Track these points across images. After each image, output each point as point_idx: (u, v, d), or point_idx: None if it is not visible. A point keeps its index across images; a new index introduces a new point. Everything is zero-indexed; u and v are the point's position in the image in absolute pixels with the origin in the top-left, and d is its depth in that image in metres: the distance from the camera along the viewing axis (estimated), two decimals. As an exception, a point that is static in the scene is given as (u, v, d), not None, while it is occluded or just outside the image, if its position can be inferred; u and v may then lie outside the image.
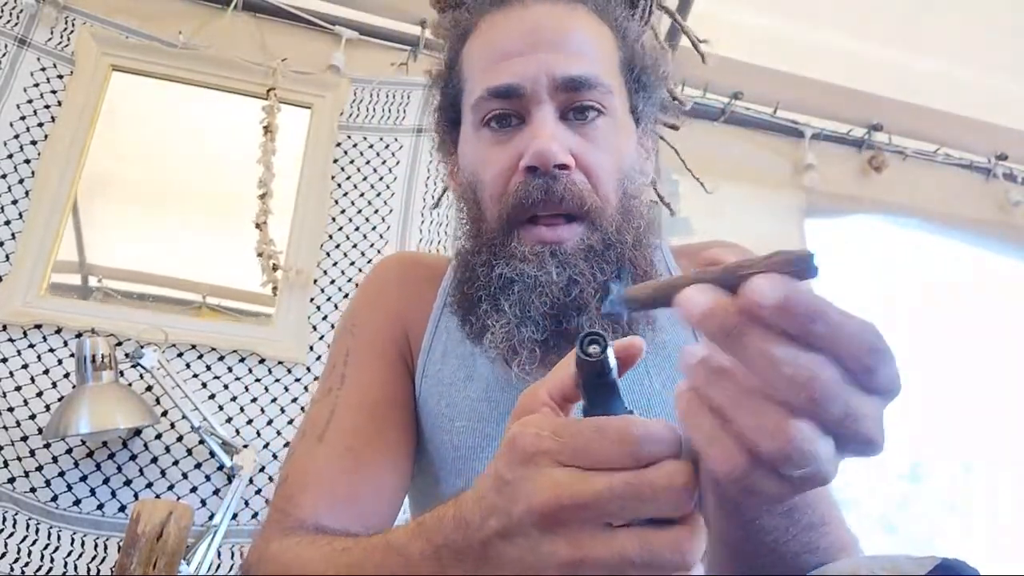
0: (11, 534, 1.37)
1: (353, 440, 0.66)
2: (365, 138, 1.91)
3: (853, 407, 0.28)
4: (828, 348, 0.28)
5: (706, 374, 0.31)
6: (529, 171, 0.60)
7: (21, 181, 1.64)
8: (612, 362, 0.35)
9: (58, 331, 1.54)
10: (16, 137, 1.66)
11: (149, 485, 1.49)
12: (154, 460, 1.51)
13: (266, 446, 1.57)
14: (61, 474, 1.45)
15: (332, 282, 1.77)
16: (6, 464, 1.42)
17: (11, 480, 1.42)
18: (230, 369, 1.62)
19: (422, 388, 0.71)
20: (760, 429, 0.29)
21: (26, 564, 1.35)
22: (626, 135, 0.67)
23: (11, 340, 1.51)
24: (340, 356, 0.72)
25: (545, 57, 0.61)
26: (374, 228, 1.83)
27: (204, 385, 1.59)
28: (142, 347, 1.45)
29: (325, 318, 1.73)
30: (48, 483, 1.44)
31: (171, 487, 1.49)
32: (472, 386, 0.68)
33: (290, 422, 1.60)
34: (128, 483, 1.48)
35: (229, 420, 1.57)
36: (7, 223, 1.60)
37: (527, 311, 0.60)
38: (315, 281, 1.75)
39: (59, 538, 1.40)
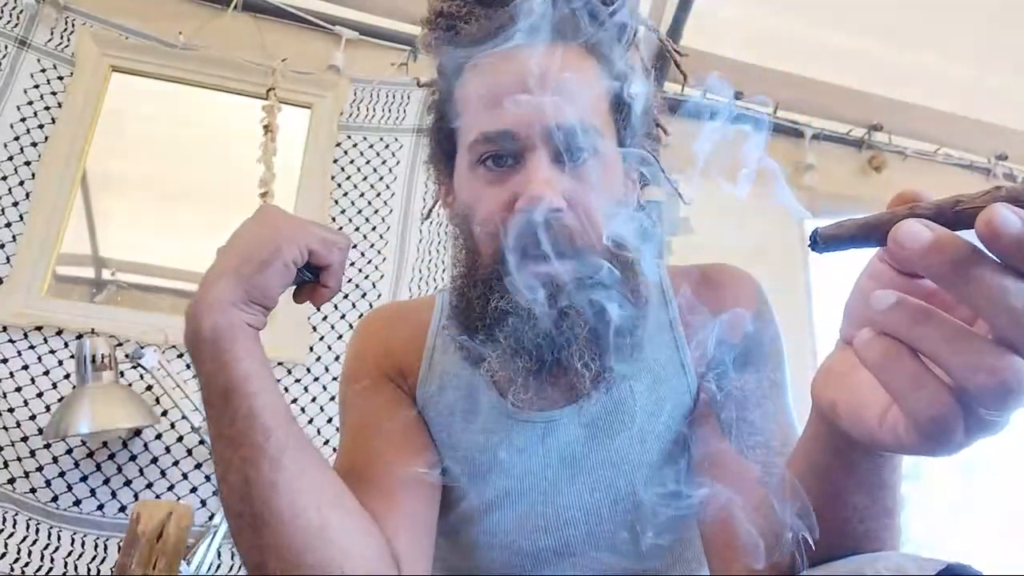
0: (11, 534, 1.37)
1: (362, 442, 0.69)
2: (365, 138, 1.91)
3: None
4: None
5: (908, 317, 0.30)
6: (524, 213, 0.62)
7: (22, 183, 1.64)
8: None
9: (59, 332, 1.54)
10: (16, 139, 1.66)
11: (149, 485, 1.49)
12: (154, 460, 1.51)
13: (266, 446, 1.57)
14: (61, 474, 1.45)
15: (332, 282, 1.77)
16: (6, 464, 1.43)
17: (11, 480, 1.42)
18: (230, 369, 1.62)
19: (424, 419, 0.74)
20: (977, 366, 0.28)
21: (26, 564, 1.35)
22: (615, 172, 0.70)
23: (12, 341, 1.51)
24: (341, 409, 0.77)
25: (539, 104, 0.64)
26: (374, 228, 1.83)
27: (204, 385, 1.58)
28: (142, 348, 1.45)
29: (325, 318, 1.73)
30: (48, 483, 1.44)
31: (171, 487, 1.49)
32: (471, 419, 0.71)
33: (290, 422, 1.60)
34: (128, 483, 1.48)
35: (229, 420, 1.57)
36: (8, 225, 1.60)
37: (521, 342, 0.62)
38: (315, 281, 1.75)
39: (59, 538, 1.40)
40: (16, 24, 1.73)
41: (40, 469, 1.44)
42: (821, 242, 0.34)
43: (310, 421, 1.62)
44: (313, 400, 1.65)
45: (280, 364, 1.65)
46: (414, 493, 0.66)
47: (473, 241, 0.68)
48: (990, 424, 0.30)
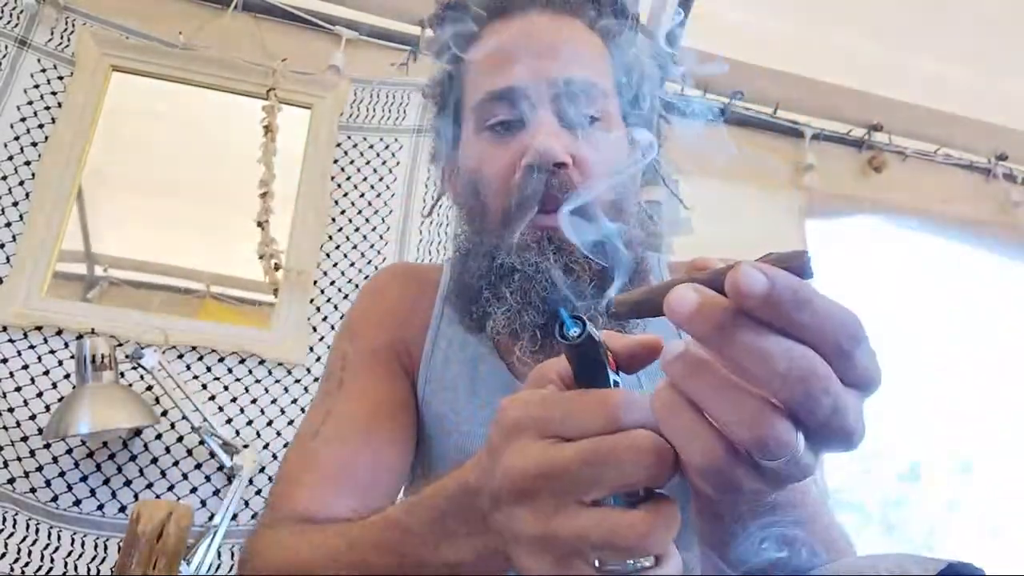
0: (11, 534, 1.37)
1: (349, 436, 0.66)
2: (365, 138, 1.91)
3: (841, 402, 0.28)
4: (813, 336, 0.28)
5: (684, 368, 0.31)
6: (529, 169, 0.62)
7: (22, 183, 1.64)
8: (599, 340, 0.34)
9: (59, 332, 1.54)
10: (17, 139, 1.66)
11: (149, 485, 1.49)
12: (154, 460, 1.51)
13: (266, 447, 1.57)
14: (61, 474, 1.45)
15: (332, 283, 1.77)
16: (6, 464, 1.43)
17: (11, 480, 1.42)
18: (230, 370, 1.62)
19: (425, 392, 0.72)
20: (738, 419, 0.29)
21: (26, 564, 1.35)
22: (620, 140, 0.70)
23: (11, 341, 1.51)
24: (337, 362, 0.74)
25: (545, 63, 0.65)
26: (374, 229, 1.84)
27: (204, 386, 1.59)
28: (142, 348, 1.45)
29: (325, 319, 1.73)
30: (48, 483, 1.44)
31: (171, 487, 1.50)
32: (476, 391, 0.69)
33: (290, 423, 1.61)
34: (128, 483, 1.48)
35: (229, 421, 1.57)
36: (8, 225, 1.60)
37: (527, 297, 0.62)
38: (315, 282, 1.75)
39: (59, 538, 1.40)
40: (16, 24, 1.73)
41: (40, 469, 1.44)
42: (615, 309, 0.34)
43: (310, 421, 1.62)
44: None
45: (280, 364, 1.65)
46: (366, 496, 0.63)
47: (479, 205, 0.67)
48: (786, 471, 0.30)
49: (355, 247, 1.81)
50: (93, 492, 1.45)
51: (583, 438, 0.33)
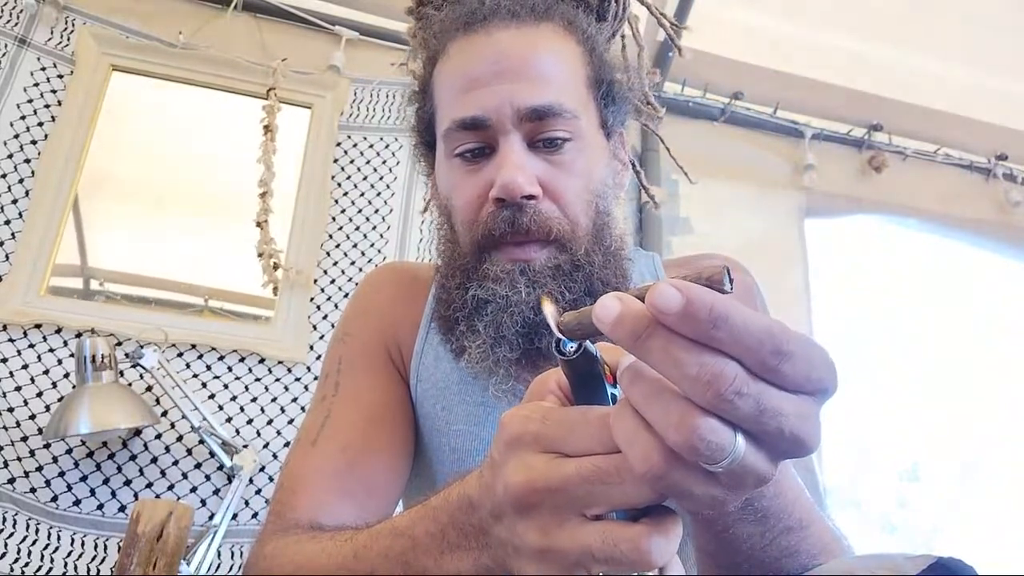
0: (11, 534, 1.37)
1: (348, 440, 0.67)
2: (365, 138, 1.91)
3: (769, 404, 0.28)
4: (733, 351, 0.28)
5: (629, 377, 0.31)
6: (498, 202, 0.62)
7: (21, 181, 1.64)
8: (595, 355, 0.35)
9: (58, 331, 1.54)
10: (16, 137, 1.66)
11: (149, 485, 1.49)
12: (154, 460, 1.51)
13: (266, 446, 1.57)
14: (61, 474, 1.45)
15: (332, 282, 1.77)
16: (6, 464, 1.43)
17: (11, 480, 1.42)
18: (230, 369, 1.62)
19: (418, 392, 0.72)
20: (666, 422, 0.29)
21: (26, 564, 1.35)
22: (596, 154, 0.68)
23: (11, 340, 1.51)
24: (333, 365, 0.74)
25: (509, 87, 0.63)
26: (374, 228, 1.84)
27: (204, 385, 1.59)
28: (142, 347, 1.45)
29: (325, 317, 1.73)
30: (48, 483, 1.44)
31: (171, 487, 1.50)
32: (468, 390, 0.69)
33: (290, 422, 1.61)
34: (128, 483, 1.48)
35: (229, 420, 1.57)
36: (7, 223, 1.60)
37: (501, 331, 0.62)
38: (315, 281, 1.75)
39: (59, 538, 1.40)
40: (16, 23, 1.73)
41: (40, 469, 1.44)
42: (563, 329, 0.34)
43: (310, 421, 1.62)
44: (313, 400, 1.65)
45: (280, 363, 1.65)
46: (367, 500, 0.64)
47: (452, 232, 0.68)
48: (737, 476, 0.30)
49: (355, 246, 1.81)
50: (93, 492, 1.45)
51: (584, 456, 0.33)
